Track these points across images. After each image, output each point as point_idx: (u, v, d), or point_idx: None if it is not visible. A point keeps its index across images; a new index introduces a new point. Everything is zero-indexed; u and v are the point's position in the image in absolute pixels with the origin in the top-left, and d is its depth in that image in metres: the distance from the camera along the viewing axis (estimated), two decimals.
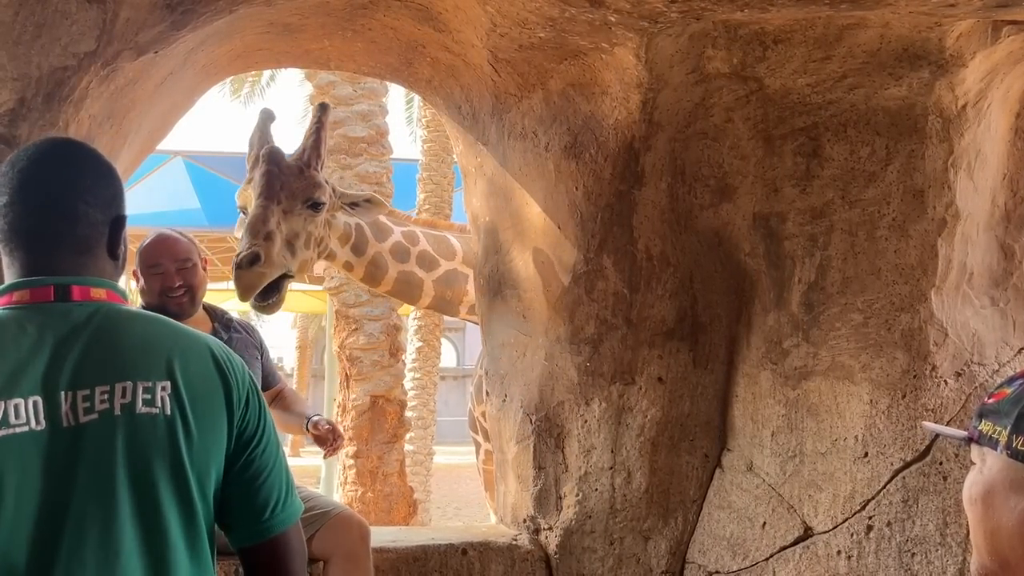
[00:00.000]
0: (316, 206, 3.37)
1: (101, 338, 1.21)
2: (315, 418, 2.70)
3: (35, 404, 1.14)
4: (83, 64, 2.30)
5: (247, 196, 3.40)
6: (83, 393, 1.16)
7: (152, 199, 12.05)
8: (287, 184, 3.30)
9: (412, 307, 4.72)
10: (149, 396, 1.18)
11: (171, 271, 2.52)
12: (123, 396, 1.18)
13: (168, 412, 1.19)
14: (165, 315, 1.39)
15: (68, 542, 1.12)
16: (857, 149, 2.63)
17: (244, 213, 3.47)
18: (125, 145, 2.70)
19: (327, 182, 3.49)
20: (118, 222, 1.31)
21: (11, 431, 1.12)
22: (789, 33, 2.49)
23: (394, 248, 4.36)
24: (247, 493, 1.27)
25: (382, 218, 4.32)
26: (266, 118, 3.49)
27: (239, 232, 3.64)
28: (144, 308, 2.44)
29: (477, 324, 5.21)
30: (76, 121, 2.37)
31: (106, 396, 1.17)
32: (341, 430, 2.74)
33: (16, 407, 1.13)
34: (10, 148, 2.30)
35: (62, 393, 1.15)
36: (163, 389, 1.20)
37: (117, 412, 1.17)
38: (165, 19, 2.34)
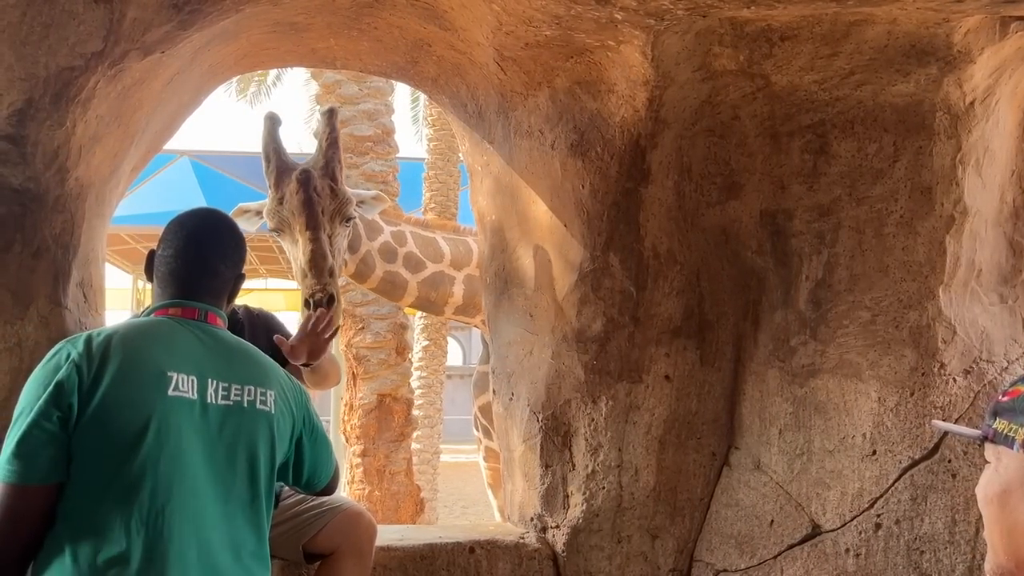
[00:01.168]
0: (349, 220, 3.42)
1: (231, 350, 1.78)
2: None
3: (192, 381, 1.67)
4: (90, 64, 2.30)
5: (283, 218, 3.33)
6: (223, 384, 1.71)
7: (158, 198, 12.09)
8: (326, 208, 3.30)
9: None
10: (263, 398, 1.76)
11: None
12: (249, 395, 1.73)
13: (272, 411, 1.76)
14: None
15: (212, 478, 1.66)
16: (864, 146, 2.62)
17: (277, 234, 3.41)
18: (132, 145, 2.70)
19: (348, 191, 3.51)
20: (239, 279, 1.91)
21: (180, 394, 1.65)
22: (796, 30, 2.48)
23: (382, 248, 4.40)
24: (311, 471, 1.92)
25: (374, 215, 4.34)
26: (274, 124, 3.43)
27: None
28: None
29: (463, 324, 5.23)
30: (83, 121, 2.37)
31: (239, 392, 1.72)
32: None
33: (182, 379, 1.66)
34: (17, 148, 2.30)
35: (208, 380, 1.69)
36: (270, 395, 1.77)
37: (245, 405, 1.73)
38: (172, 19, 2.34)
